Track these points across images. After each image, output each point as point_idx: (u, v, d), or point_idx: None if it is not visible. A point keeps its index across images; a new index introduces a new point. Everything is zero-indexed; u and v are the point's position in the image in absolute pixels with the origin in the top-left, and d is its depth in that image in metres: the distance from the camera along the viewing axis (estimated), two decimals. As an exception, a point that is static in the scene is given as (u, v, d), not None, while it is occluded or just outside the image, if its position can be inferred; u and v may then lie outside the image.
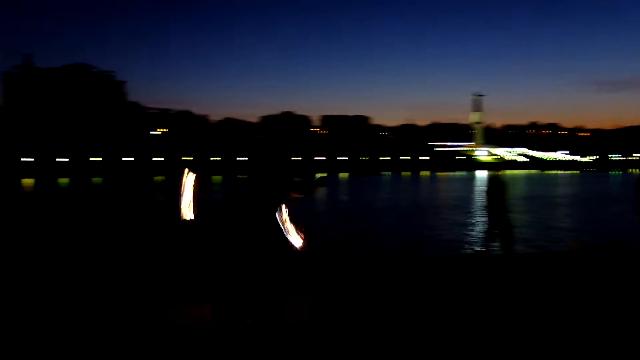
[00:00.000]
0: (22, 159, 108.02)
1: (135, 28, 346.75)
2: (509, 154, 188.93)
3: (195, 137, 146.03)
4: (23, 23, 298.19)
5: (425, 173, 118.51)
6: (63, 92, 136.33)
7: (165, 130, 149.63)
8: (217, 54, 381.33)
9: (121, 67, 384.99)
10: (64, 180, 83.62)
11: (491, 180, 9.24)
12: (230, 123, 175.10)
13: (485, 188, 9.34)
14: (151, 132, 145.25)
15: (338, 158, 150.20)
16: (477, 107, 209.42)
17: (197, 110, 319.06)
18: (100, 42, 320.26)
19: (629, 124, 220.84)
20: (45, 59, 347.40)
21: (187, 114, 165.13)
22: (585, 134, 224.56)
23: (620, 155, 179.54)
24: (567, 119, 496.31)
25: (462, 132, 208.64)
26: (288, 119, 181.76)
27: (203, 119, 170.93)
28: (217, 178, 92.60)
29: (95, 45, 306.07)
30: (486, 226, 9.22)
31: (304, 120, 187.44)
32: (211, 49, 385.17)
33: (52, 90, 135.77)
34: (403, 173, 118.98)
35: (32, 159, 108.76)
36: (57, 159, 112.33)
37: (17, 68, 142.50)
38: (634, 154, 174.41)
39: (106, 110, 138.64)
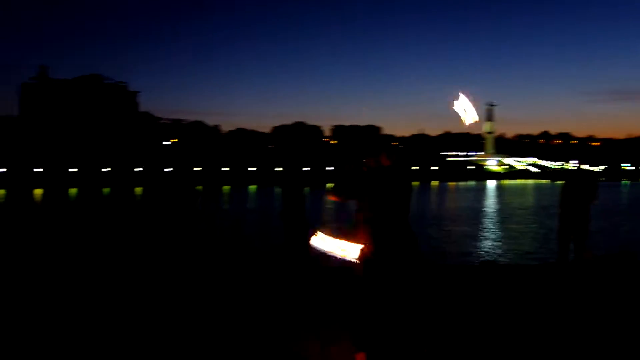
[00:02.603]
0: (34, 170, 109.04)
1: (147, 40, 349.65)
2: (520, 163, 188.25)
3: (207, 147, 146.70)
4: (38, 35, 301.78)
5: (435, 183, 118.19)
6: (77, 102, 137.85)
7: (176, 140, 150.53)
8: (228, 64, 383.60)
9: (134, 78, 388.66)
10: (73, 191, 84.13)
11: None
12: (241, 133, 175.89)
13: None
14: (163, 143, 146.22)
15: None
16: (489, 117, 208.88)
17: (209, 120, 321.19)
18: (113, 53, 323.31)
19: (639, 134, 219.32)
20: (60, 71, 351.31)
21: (199, 124, 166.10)
22: (596, 144, 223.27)
23: (630, 164, 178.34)
24: (579, 129, 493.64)
25: (474, 142, 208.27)
26: (300, 129, 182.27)
27: (215, 129, 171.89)
28: (226, 188, 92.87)
29: (108, 56, 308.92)
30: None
31: (316, 130, 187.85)
32: (222, 60, 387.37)
33: (66, 101, 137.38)
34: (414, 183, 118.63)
35: (41, 169, 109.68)
36: (69, 169, 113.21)
37: (33, 79, 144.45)
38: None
39: (119, 120, 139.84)
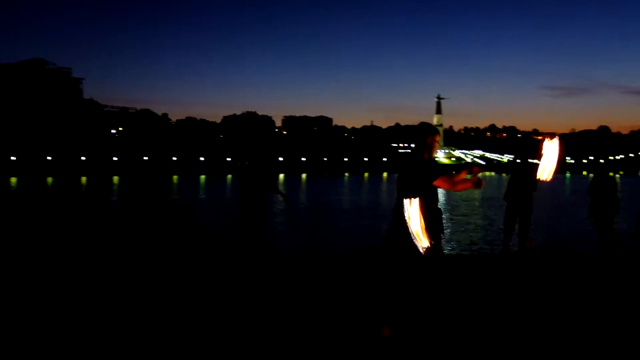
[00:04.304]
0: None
1: (93, 24, 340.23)
2: (467, 156, 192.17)
3: (155, 136, 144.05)
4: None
5: (385, 174, 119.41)
6: (18, 88, 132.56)
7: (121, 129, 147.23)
8: (177, 52, 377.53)
9: (78, 65, 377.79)
10: (13, 180, 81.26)
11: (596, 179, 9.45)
12: (191, 122, 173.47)
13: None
14: (110, 131, 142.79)
15: (301, 159, 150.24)
16: (438, 110, 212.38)
17: (158, 109, 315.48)
18: (57, 38, 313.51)
19: (582, 128, 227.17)
20: (0, 55, 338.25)
21: (147, 113, 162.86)
22: (540, 137, 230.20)
23: (570, 158, 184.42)
24: (524, 123, 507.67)
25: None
26: (251, 119, 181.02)
27: (163, 118, 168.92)
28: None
29: (52, 41, 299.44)
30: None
31: (267, 120, 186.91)
32: (171, 47, 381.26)
33: (7, 86, 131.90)
34: (365, 174, 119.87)
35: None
36: (10, 157, 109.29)
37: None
38: (588, 157, 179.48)
39: (62, 107, 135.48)
